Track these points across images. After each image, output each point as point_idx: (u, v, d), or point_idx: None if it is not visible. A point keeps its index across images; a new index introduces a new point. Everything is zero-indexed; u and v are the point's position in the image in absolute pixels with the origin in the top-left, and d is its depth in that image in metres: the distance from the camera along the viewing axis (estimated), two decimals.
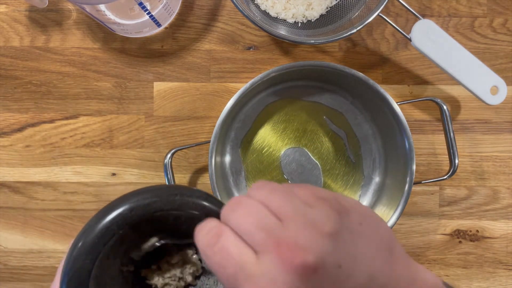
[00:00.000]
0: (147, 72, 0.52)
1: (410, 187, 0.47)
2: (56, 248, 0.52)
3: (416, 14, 0.46)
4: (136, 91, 0.52)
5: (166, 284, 0.32)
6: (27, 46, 0.52)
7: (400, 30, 0.46)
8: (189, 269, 0.32)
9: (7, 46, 0.52)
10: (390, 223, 0.47)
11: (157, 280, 0.32)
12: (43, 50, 0.52)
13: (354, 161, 0.52)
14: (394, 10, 0.53)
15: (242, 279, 0.21)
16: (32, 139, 0.52)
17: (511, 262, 0.54)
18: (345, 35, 0.45)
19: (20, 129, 0.52)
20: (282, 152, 0.52)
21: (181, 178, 0.53)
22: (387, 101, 0.46)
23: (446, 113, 0.48)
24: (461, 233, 0.54)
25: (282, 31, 0.50)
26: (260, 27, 0.45)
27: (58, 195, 0.52)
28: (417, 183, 0.49)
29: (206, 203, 0.28)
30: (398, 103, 0.47)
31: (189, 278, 0.32)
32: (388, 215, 0.48)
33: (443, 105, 0.48)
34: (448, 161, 0.48)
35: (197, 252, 0.32)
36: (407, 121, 0.46)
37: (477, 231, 0.54)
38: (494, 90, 0.47)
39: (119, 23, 0.48)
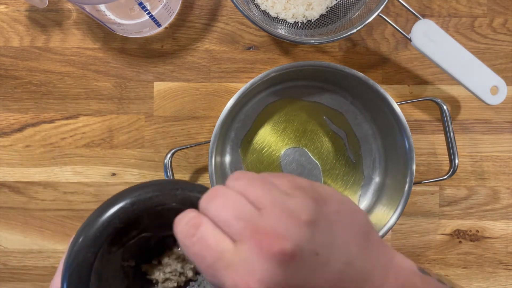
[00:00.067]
0: (147, 72, 0.52)
1: (410, 187, 0.47)
2: (56, 248, 0.52)
3: (416, 14, 0.46)
4: (136, 91, 0.52)
5: (167, 279, 0.32)
6: (27, 46, 0.52)
7: (400, 30, 0.46)
8: (190, 264, 0.32)
9: (7, 46, 0.52)
10: (390, 223, 0.47)
11: (158, 275, 0.32)
12: (43, 50, 0.52)
13: (354, 161, 0.52)
14: (394, 10, 0.53)
15: (221, 268, 0.21)
16: (32, 139, 0.52)
17: (511, 262, 0.54)
18: (345, 35, 0.45)
19: (20, 129, 0.52)
20: (282, 152, 0.52)
21: (181, 178, 0.53)
22: (387, 101, 0.46)
23: (446, 113, 0.48)
24: (461, 233, 0.54)
25: (282, 31, 0.50)
26: (260, 27, 0.45)
27: (58, 195, 0.52)
28: (417, 183, 0.49)
29: None
30: (398, 103, 0.47)
31: (189, 273, 0.32)
32: (388, 215, 0.48)
33: (443, 105, 0.48)
34: (448, 161, 0.48)
35: None
36: (407, 121, 0.46)
37: (477, 231, 0.54)
38: (494, 90, 0.47)
39: (119, 23, 0.48)
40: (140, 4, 0.44)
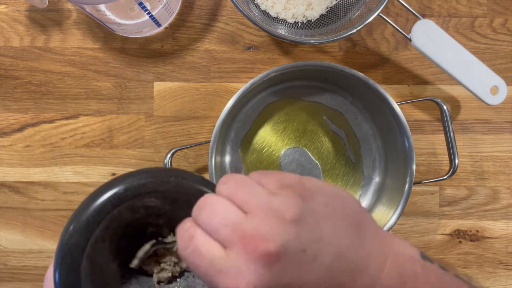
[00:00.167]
0: (147, 72, 0.52)
1: (410, 187, 0.47)
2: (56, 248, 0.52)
3: (416, 14, 0.46)
4: (136, 91, 0.52)
5: (162, 270, 0.32)
6: (27, 46, 0.52)
7: (400, 30, 0.46)
8: None
9: (7, 46, 0.52)
10: (390, 223, 0.47)
11: (153, 266, 0.32)
12: (43, 50, 0.52)
13: (354, 161, 0.52)
14: (394, 10, 0.53)
15: (214, 274, 0.22)
16: (32, 139, 0.52)
17: (511, 262, 0.54)
18: (345, 35, 0.45)
19: (20, 129, 0.52)
20: (282, 152, 0.52)
21: None
22: (387, 101, 0.46)
23: (446, 113, 0.48)
24: (461, 233, 0.54)
25: (282, 31, 0.50)
26: (260, 27, 0.45)
27: (58, 195, 0.52)
28: (417, 183, 0.49)
29: (201, 187, 0.28)
30: (398, 103, 0.47)
31: (184, 264, 0.32)
32: (388, 215, 0.48)
33: (443, 105, 0.48)
34: (448, 161, 0.48)
35: None
36: (407, 121, 0.46)
37: (477, 231, 0.54)
38: (494, 90, 0.47)
39: (119, 23, 0.48)
40: (140, 4, 0.44)
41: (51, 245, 0.52)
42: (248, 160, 0.52)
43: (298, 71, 0.47)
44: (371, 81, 0.46)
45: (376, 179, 0.52)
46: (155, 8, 0.47)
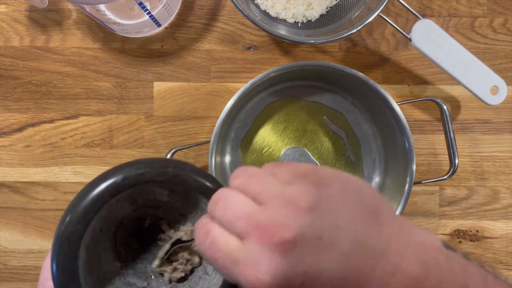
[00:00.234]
0: (147, 72, 0.52)
1: (410, 187, 0.47)
2: None
3: (416, 14, 0.46)
4: (136, 91, 0.52)
5: (174, 269, 0.32)
6: (27, 46, 0.52)
7: (400, 30, 0.46)
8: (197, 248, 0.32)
9: (7, 46, 0.52)
10: None
11: (166, 266, 0.32)
12: (43, 50, 0.52)
13: (354, 161, 0.52)
14: (394, 10, 0.53)
15: (232, 266, 0.22)
16: (32, 139, 0.52)
17: (511, 262, 0.54)
18: (345, 35, 0.45)
19: (20, 129, 0.52)
20: (282, 152, 0.52)
21: None
22: (387, 101, 0.46)
23: (446, 113, 0.48)
24: (461, 233, 0.54)
25: (282, 31, 0.50)
26: (260, 27, 0.45)
27: (58, 195, 0.52)
28: (417, 183, 0.49)
29: (198, 178, 0.28)
30: (398, 103, 0.47)
31: (196, 259, 0.32)
32: None
33: (443, 105, 0.48)
34: (448, 161, 0.48)
35: None
36: (407, 121, 0.46)
37: (477, 231, 0.54)
38: (494, 90, 0.47)
39: (119, 23, 0.48)
40: (140, 4, 0.44)
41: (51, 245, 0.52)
42: (248, 160, 0.52)
43: (298, 71, 0.47)
44: (371, 81, 0.46)
45: (376, 179, 0.52)
46: (155, 8, 0.47)
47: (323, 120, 0.52)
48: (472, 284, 0.23)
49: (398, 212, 0.47)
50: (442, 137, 0.50)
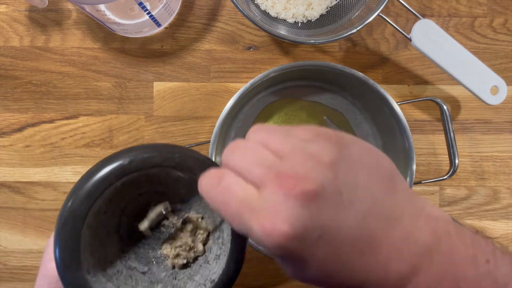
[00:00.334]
0: (147, 72, 0.52)
1: (410, 187, 0.47)
2: None
3: (416, 14, 0.46)
4: (136, 91, 0.52)
5: (177, 255, 0.32)
6: (27, 46, 0.52)
7: (400, 30, 0.46)
8: (200, 236, 0.32)
9: (7, 46, 0.52)
10: None
11: (170, 251, 0.32)
12: (43, 50, 0.52)
13: None
14: (394, 10, 0.53)
15: (246, 213, 0.21)
16: (32, 139, 0.52)
17: None
18: (345, 35, 0.45)
19: (20, 129, 0.52)
20: None
21: None
22: (387, 101, 0.46)
23: (446, 113, 0.48)
24: None
25: (282, 31, 0.50)
26: (260, 27, 0.45)
27: (58, 195, 0.52)
28: (417, 183, 0.49)
29: (204, 165, 0.28)
30: (398, 103, 0.47)
31: (200, 247, 0.32)
32: None
33: (443, 105, 0.48)
34: (448, 161, 0.48)
35: (202, 218, 0.32)
36: (407, 121, 0.46)
37: (477, 231, 0.54)
38: (494, 90, 0.47)
39: (119, 23, 0.48)
40: (140, 4, 0.44)
41: None
42: None
43: (298, 71, 0.47)
44: (371, 81, 0.46)
45: None
46: (155, 8, 0.47)
47: (323, 120, 0.52)
48: (482, 255, 0.23)
49: None
50: (442, 137, 0.50)
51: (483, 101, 0.47)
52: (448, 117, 0.48)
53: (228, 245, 0.28)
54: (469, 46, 0.53)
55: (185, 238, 0.32)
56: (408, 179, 0.47)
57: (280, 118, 0.52)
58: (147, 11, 0.46)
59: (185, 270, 0.32)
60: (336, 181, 0.21)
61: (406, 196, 0.24)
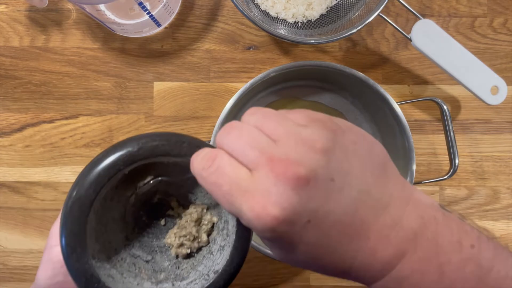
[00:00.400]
0: (147, 72, 0.52)
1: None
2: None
3: (416, 14, 0.46)
4: (136, 91, 0.52)
5: (181, 245, 0.32)
6: (27, 46, 0.52)
7: (400, 30, 0.46)
8: (205, 226, 0.32)
9: (7, 46, 0.52)
10: None
11: (173, 240, 0.32)
12: (43, 50, 0.52)
13: None
14: (394, 10, 0.53)
15: (238, 194, 0.22)
16: (32, 139, 0.52)
17: None
18: (345, 35, 0.45)
19: (20, 129, 0.52)
20: None
21: None
22: (387, 101, 0.46)
23: (446, 113, 0.48)
24: None
25: (282, 31, 0.50)
26: (260, 27, 0.45)
27: (58, 195, 0.52)
28: (417, 183, 0.49)
29: None
30: (398, 103, 0.47)
31: (204, 237, 0.32)
32: None
33: (443, 105, 0.48)
34: (448, 161, 0.48)
35: (208, 208, 0.33)
36: (407, 121, 0.46)
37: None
38: (494, 90, 0.47)
39: (119, 23, 0.48)
40: (140, 4, 0.44)
41: None
42: None
43: (298, 71, 0.47)
44: (371, 81, 0.46)
45: None
46: (155, 8, 0.47)
47: None
48: (467, 241, 0.24)
49: None
50: (442, 137, 0.50)
51: (483, 101, 0.47)
52: (448, 117, 0.48)
53: (232, 237, 0.28)
54: (469, 46, 0.53)
55: (189, 228, 0.32)
56: (408, 179, 0.47)
57: None
58: (147, 11, 0.46)
59: (188, 260, 0.32)
60: (328, 167, 0.22)
61: (396, 183, 0.24)
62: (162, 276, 0.31)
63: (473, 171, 0.53)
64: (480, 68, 0.46)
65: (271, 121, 0.23)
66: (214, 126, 0.46)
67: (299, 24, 0.51)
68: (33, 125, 0.52)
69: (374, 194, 0.23)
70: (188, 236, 0.32)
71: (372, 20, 0.44)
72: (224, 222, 0.31)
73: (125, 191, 0.31)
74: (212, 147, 0.28)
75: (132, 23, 0.49)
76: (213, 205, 0.33)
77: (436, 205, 0.25)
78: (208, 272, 0.29)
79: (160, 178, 0.32)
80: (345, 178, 0.22)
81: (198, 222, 0.32)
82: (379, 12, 0.44)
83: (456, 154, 0.48)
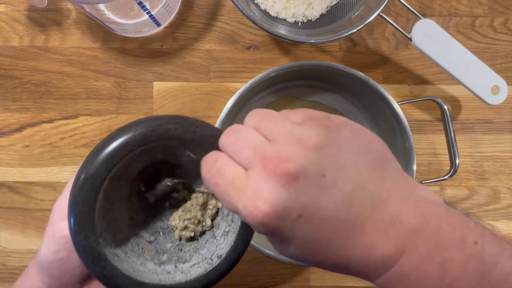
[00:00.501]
0: (147, 72, 0.52)
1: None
2: None
3: (417, 13, 0.46)
4: (136, 91, 0.52)
5: (185, 228, 0.32)
6: (27, 46, 0.52)
7: (401, 30, 0.46)
8: (210, 211, 0.32)
9: (7, 46, 0.52)
10: None
11: (178, 223, 0.32)
12: (42, 50, 0.52)
13: None
14: (394, 9, 0.53)
15: (233, 192, 0.23)
16: (32, 139, 0.52)
17: None
18: (345, 34, 0.45)
19: (20, 129, 0.52)
20: None
21: None
22: (388, 101, 0.46)
23: (446, 113, 0.47)
24: None
25: (282, 30, 0.50)
26: (260, 27, 0.45)
27: (57, 195, 0.52)
28: None
29: None
30: (399, 103, 0.46)
31: (208, 222, 0.32)
32: None
33: (443, 105, 0.48)
34: (449, 161, 0.48)
35: (213, 195, 0.33)
36: (407, 121, 0.46)
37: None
38: (495, 90, 0.47)
39: (118, 22, 0.48)
40: (140, 3, 0.44)
41: None
42: None
43: (298, 71, 0.47)
44: (372, 81, 0.46)
45: None
46: (154, 8, 0.47)
47: None
48: (470, 237, 0.23)
49: None
50: (442, 137, 0.50)
51: (484, 101, 0.47)
52: (449, 117, 0.47)
53: (238, 223, 0.29)
54: (470, 45, 0.53)
55: (194, 211, 0.32)
56: None
57: None
58: (147, 11, 0.46)
59: (191, 243, 0.32)
60: (320, 164, 0.22)
61: (396, 178, 0.24)
62: (164, 257, 0.31)
63: (474, 171, 0.53)
64: (480, 68, 0.46)
65: (268, 122, 0.24)
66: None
67: (299, 24, 0.51)
68: (32, 125, 0.52)
69: (370, 190, 0.23)
70: (192, 220, 0.32)
71: (372, 19, 0.44)
72: None
73: (133, 171, 0.31)
74: (218, 129, 0.29)
75: (131, 23, 0.49)
76: None
77: (439, 201, 0.25)
78: (212, 256, 0.30)
79: (167, 161, 0.32)
80: (338, 174, 0.22)
81: (204, 206, 0.33)
82: (379, 12, 0.44)
83: (457, 154, 0.48)
